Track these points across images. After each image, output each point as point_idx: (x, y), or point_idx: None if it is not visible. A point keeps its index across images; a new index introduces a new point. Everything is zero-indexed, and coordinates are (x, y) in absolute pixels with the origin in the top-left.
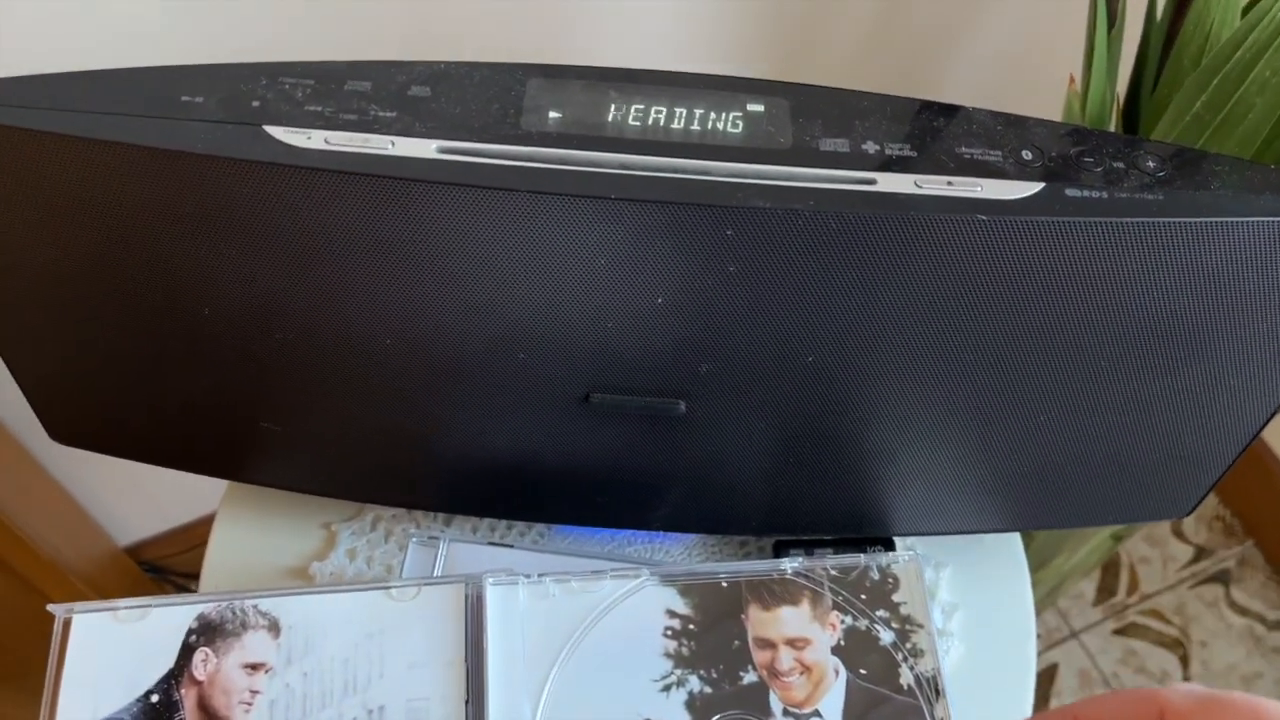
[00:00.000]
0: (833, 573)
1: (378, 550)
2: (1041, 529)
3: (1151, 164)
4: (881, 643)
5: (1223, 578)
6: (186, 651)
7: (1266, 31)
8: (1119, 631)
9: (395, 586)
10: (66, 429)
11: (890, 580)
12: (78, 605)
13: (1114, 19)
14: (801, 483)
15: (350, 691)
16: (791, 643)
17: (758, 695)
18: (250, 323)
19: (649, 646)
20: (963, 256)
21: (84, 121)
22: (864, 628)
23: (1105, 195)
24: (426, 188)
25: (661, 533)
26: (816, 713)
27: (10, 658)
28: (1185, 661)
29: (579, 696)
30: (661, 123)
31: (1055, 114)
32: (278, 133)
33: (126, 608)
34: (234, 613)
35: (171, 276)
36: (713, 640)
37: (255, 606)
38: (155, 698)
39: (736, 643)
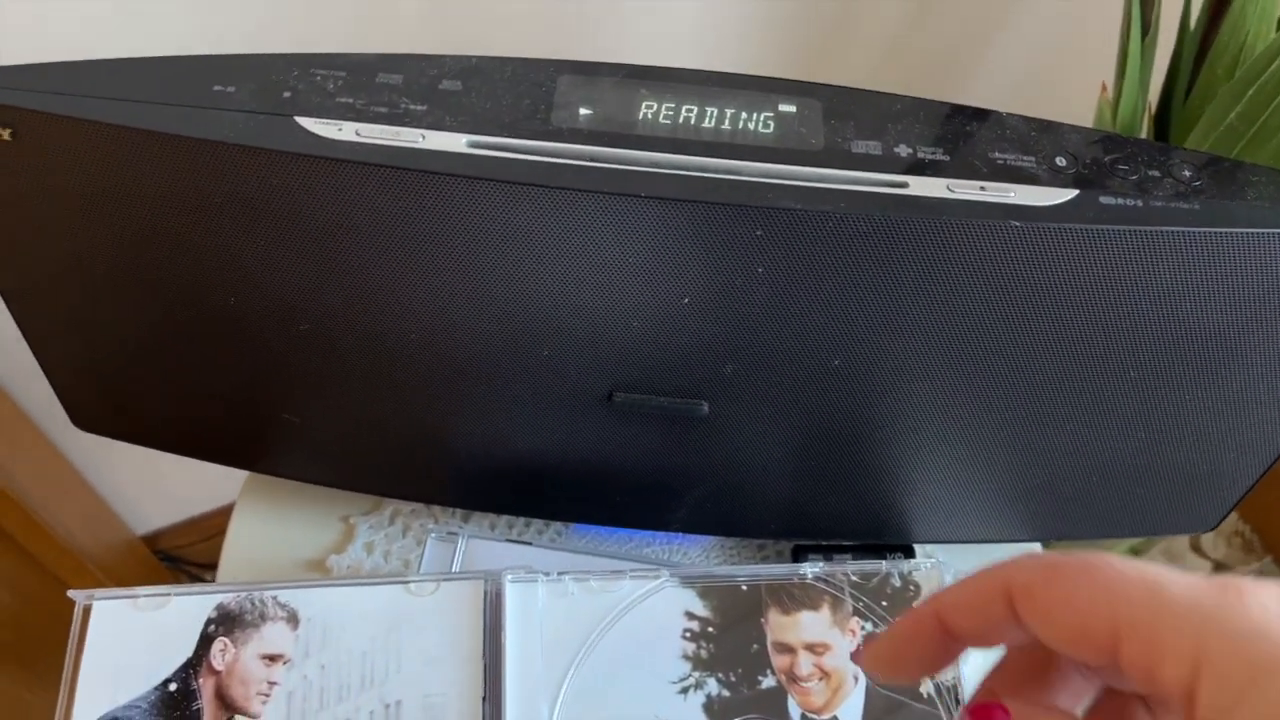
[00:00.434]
0: (853, 578)
1: (395, 544)
2: (1063, 540)
3: (1187, 173)
4: None
5: None
6: (205, 641)
7: None
8: None
9: (414, 581)
10: (90, 416)
11: (912, 587)
12: (98, 592)
13: (1148, 26)
14: (823, 487)
15: (367, 685)
16: (811, 648)
17: (776, 700)
18: (275, 313)
19: (668, 648)
20: (994, 263)
21: (116, 109)
22: None
23: (1140, 204)
24: (456, 182)
25: (679, 534)
26: (835, 719)
27: (28, 643)
28: None
29: (596, 696)
30: (692, 121)
31: (1084, 120)
32: (309, 124)
33: (146, 595)
34: (253, 603)
35: (199, 265)
36: (732, 643)
37: (274, 598)
38: (173, 686)
39: (755, 646)
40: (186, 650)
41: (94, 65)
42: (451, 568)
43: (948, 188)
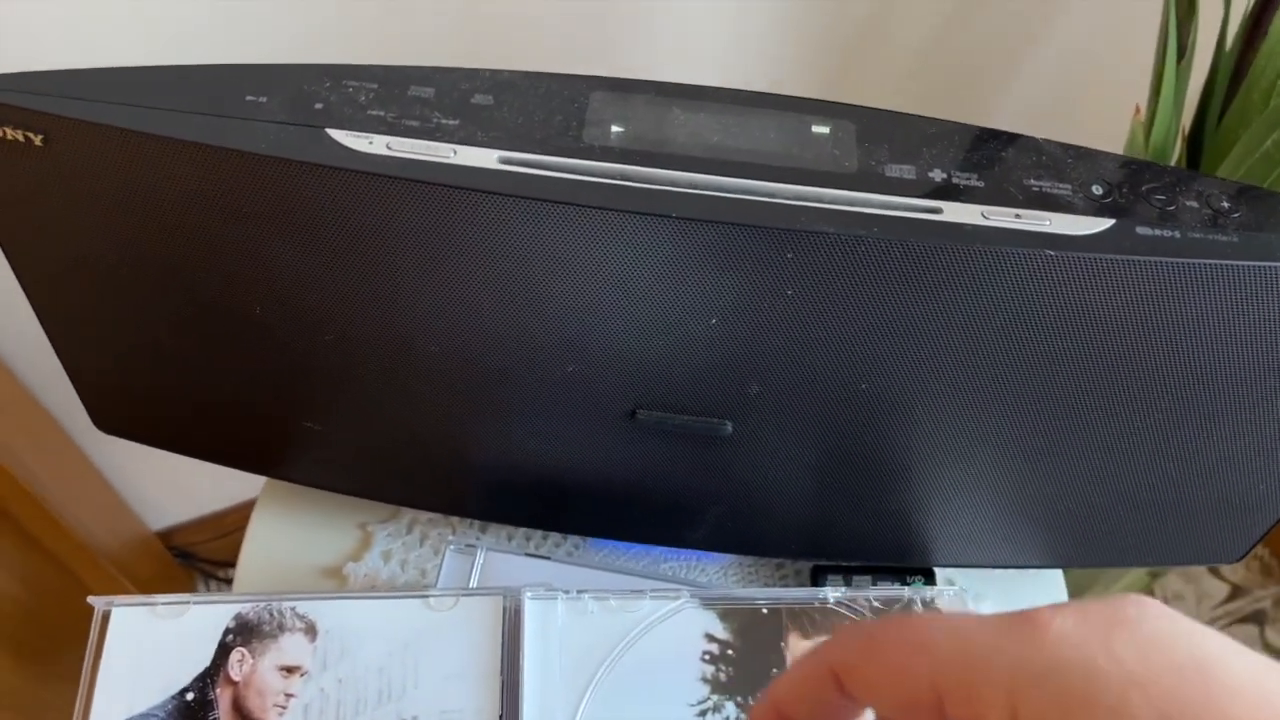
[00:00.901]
0: (875, 604)
1: (413, 554)
2: (1085, 567)
3: (1225, 204)
4: None
5: (1258, 618)
6: (223, 651)
7: None
8: None
9: (434, 596)
10: (112, 419)
11: None
12: (118, 599)
13: (1184, 49)
14: (845, 509)
15: (384, 700)
16: None
17: None
18: (301, 323)
19: (687, 670)
20: (1028, 292)
21: (148, 117)
22: None
23: (1178, 235)
24: (486, 199)
25: (697, 551)
26: None
27: (43, 639)
28: None
29: (614, 716)
30: (725, 141)
31: (1113, 141)
32: (340, 136)
33: (165, 603)
34: (271, 614)
35: (226, 274)
36: (751, 667)
37: (293, 609)
38: (190, 696)
39: (775, 671)
40: (204, 659)
41: (127, 72)
42: (469, 581)
43: (982, 214)
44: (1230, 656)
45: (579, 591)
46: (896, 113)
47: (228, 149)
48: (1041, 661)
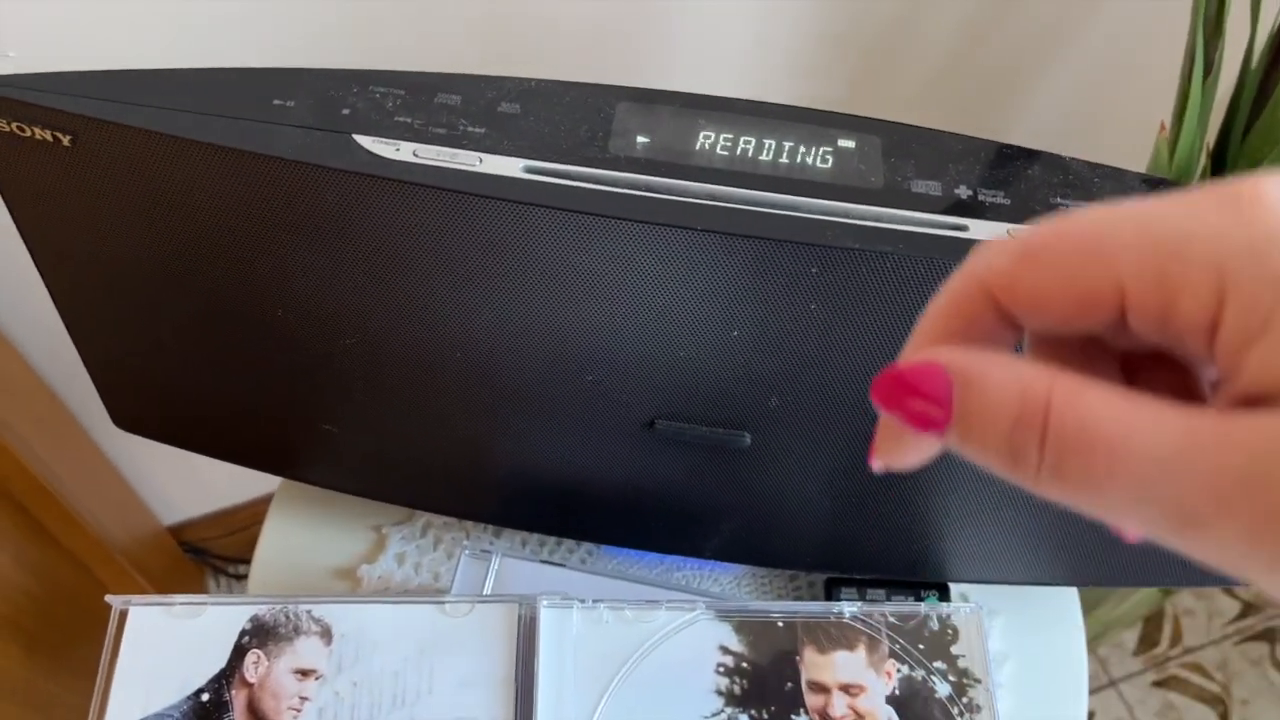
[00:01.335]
0: (891, 619)
1: (426, 557)
2: (1101, 586)
3: None
4: (937, 695)
5: (1269, 636)
6: (239, 652)
7: None
8: (1159, 683)
9: (449, 602)
10: (130, 417)
11: (950, 631)
12: (135, 598)
13: (1210, 67)
14: (861, 524)
15: (399, 705)
16: (846, 688)
17: None
18: (322, 327)
19: (701, 682)
20: None
21: (175, 119)
22: (920, 678)
23: None
24: (511, 207)
25: (711, 561)
26: None
27: (56, 634)
28: (1225, 719)
29: None
30: (750, 154)
31: (1135, 157)
32: (366, 142)
33: (182, 604)
34: (287, 616)
35: (249, 276)
36: (766, 680)
37: (309, 612)
38: (206, 696)
39: (789, 684)
40: (220, 660)
41: (155, 74)
42: (484, 586)
43: (1008, 232)
44: None
45: (594, 601)
46: (922, 128)
47: (253, 153)
48: (1256, 235)
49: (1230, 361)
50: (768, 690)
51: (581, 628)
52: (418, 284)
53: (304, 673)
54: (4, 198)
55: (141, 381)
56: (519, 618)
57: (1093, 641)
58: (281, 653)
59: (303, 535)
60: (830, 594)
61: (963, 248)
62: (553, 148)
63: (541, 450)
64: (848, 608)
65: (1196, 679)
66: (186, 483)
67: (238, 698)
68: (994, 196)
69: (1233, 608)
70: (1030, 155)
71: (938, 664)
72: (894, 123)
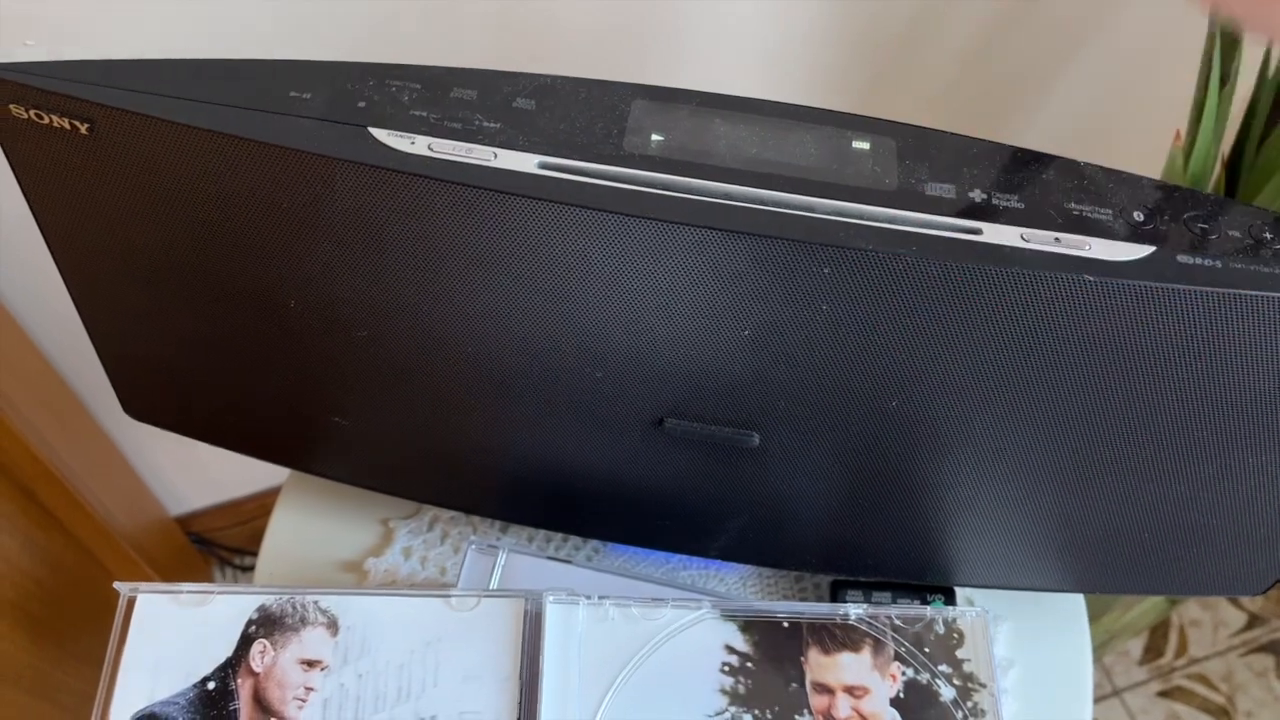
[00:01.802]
0: (897, 622)
1: (433, 551)
2: (1108, 593)
3: (1268, 234)
4: (942, 699)
5: (1274, 648)
6: (245, 642)
7: None
8: (1163, 694)
9: (456, 596)
10: (142, 406)
11: (955, 635)
12: (143, 585)
13: (1227, 77)
14: (868, 526)
15: (404, 698)
16: (850, 690)
17: None
18: (334, 319)
19: (705, 681)
20: (1065, 316)
21: (192, 110)
22: (925, 682)
23: (1219, 265)
24: (525, 203)
25: (716, 560)
26: None
27: (64, 621)
28: None
29: None
30: (764, 154)
31: (1148, 164)
32: (382, 135)
33: (190, 592)
34: (294, 607)
35: (262, 267)
36: (770, 680)
37: (316, 603)
38: (212, 685)
39: (794, 685)
40: (226, 649)
41: (172, 64)
42: (490, 581)
43: (1021, 237)
44: None
45: (600, 597)
46: (937, 130)
47: (269, 144)
48: None
49: None
50: (772, 690)
51: (587, 624)
52: (430, 278)
53: (310, 663)
54: (21, 184)
55: (153, 371)
56: (525, 613)
57: (1097, 650)
58: (288, 643)
59: (310, 527)
60: (836, 596)
61: (977, 251)
62: (567, 144)
63: (549, 447)
64: (853, 609)
65: (1201, 690)
66: (194, 473)
67: (244, 687)
68: (1008, 200)
69: (1239, 619)
70: (1045, 160)
71: (943, 667)
72: (909, 125)
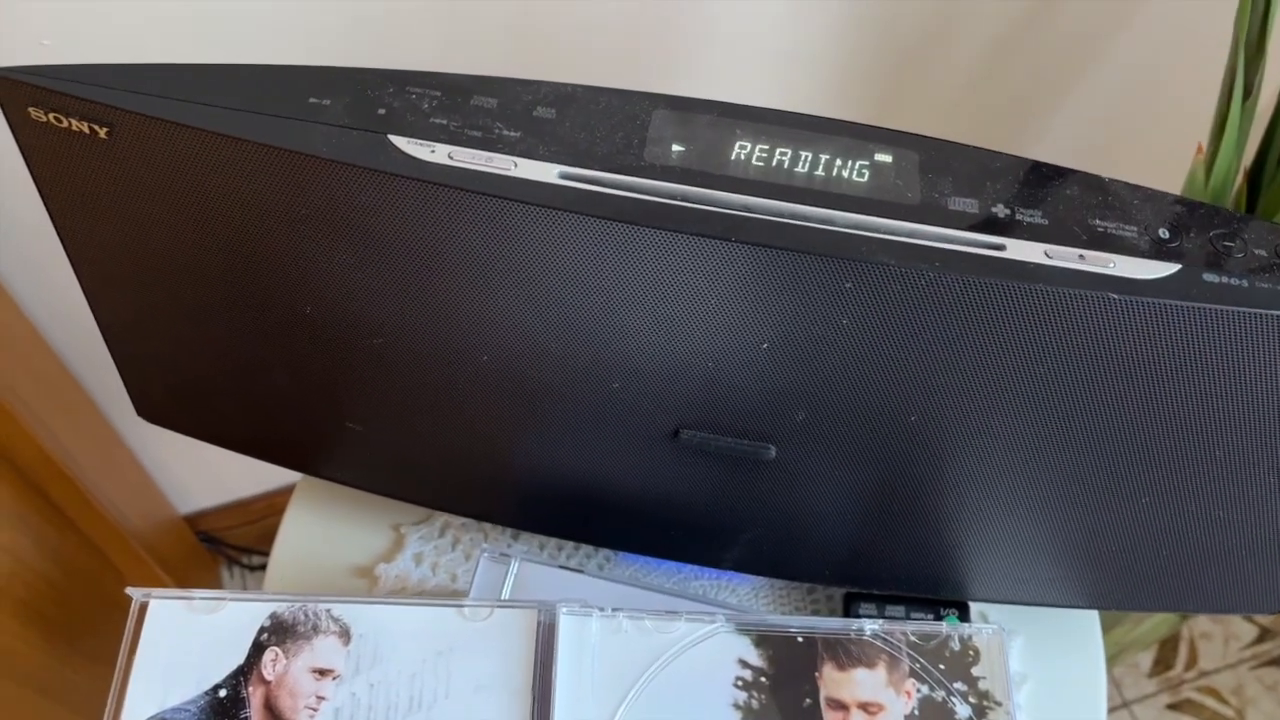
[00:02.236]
0: (912, 638)
1: (444, 557)
2: (1123, 610)
3: None
4: (957, 716)
5: None
6: (257, 649)
7: None
8: (1173, 706)
9: (469, 606)
10: (154, 408)
11: (971, 652)
12: (155, 591)
13: (1250, 89)
14: (883, 539)
15: (415, 708)
16: (865, 706)
17: None
18: (350, 326)
19: (719, 695)
20: (1088, 334)
21: (211, 115)
22: (940, 699)
23: (1245, 284)
24: (546, 213)
25: (729, 572)
26: None
27: (74, 620)
28: None
29: None
30: (786, 165)
31: (1164, 178)
32: (402, 143)
33: (203, 598)
34: (306, 615)
35: (280, 273)
36: (784, 695)
37: (328, 611)
38: (223, 692)
39: (808, 701)
40: (238, 657)
41: (192, 69)
42: (502, 590)
43: (1045, 253)
44: None
45: (614, 609)
46: (960, 144)
47: (289, 150)
48: None
49: None
50: (786, 706)
51: (600, 636)
52: (448, 286)
53: (321, 672)
54: (39, 187)
55: (167, 374)
56: (538, 624)
57: (1108, 662)
58: (300, 651)
59: (322, 531)
60: (849, 609)
61: (1000, 268)
62: (588, 154)
63: (564, 456)
64: (869, 625)
65: (1211, 703)
66: (204, 473)
67: (255, 695)
68: (1032, 216)
69: (1250, 632)
70: (1069, 175)
71: (958, 685)
72: (931, 138)
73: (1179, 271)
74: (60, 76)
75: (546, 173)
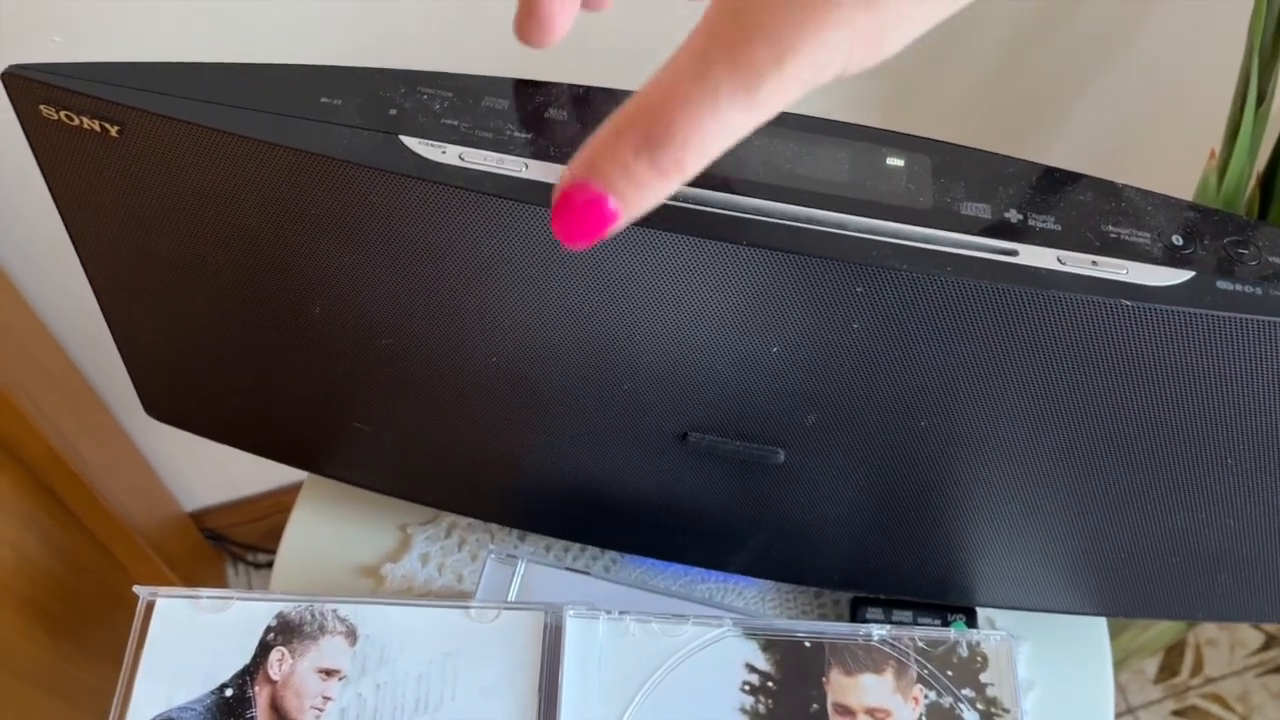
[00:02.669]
0: (920, 644)
1: (450, 558)
2: (1133, 617)
3: None
4: None
5: None
6: (264, 649)
7: None
8: (1178, 713)
9: (475, 607)
10: (162, 406)
11: (979, 659)
12: (162, 590)
13: (1263, 95)
14: (892, 545)
15: (421, 710)
16: (872, 712)
17: None
18: (359, 326)
19: (725, 700)
20: (1100, 341)
21: (222, 114)
22: (948, 705)
23: (1260, 291)
24: None
25: (736, 575)
26: None
27: (75, 613)
28: None
29: None
30: (798, 169)
31: (1174, 184)
32: (413, 144)
33: (209, 597)
34: (313, 615)
35: (289, 273)
36: (791, 701)
37: (335, 611)
38: (229, 692)
39: (815, 706)
40: (245, 656)
41: (203, 68)
42: (509, 591)
43: (1058, 259)
44: None
45: (621, 612)
46: (972, 149)
47: (300, 150)
48: None
49: None
50: (793, 711)
51: (607, 639)
52: (458, 287)
53: (328, 672)
54: (49, 184)
55: (176, 373)
56: (545, 626)
57: (1114, 668)
58: (306, 651)
59: (328, 531)
60: (856, 613)
61: (1012, 273)
62: None
63: (572, 457)
64: (876, 630)
65: (1217, 709)
66: (210, 470)
67: (261, 695)
68: (1044, 221)
69: (1256, 639)
70: (1082, 180)
71: (966, 691)
72: (944, 142)
73: (1192, 279)
74: (72, 74)
75: (558, 175)
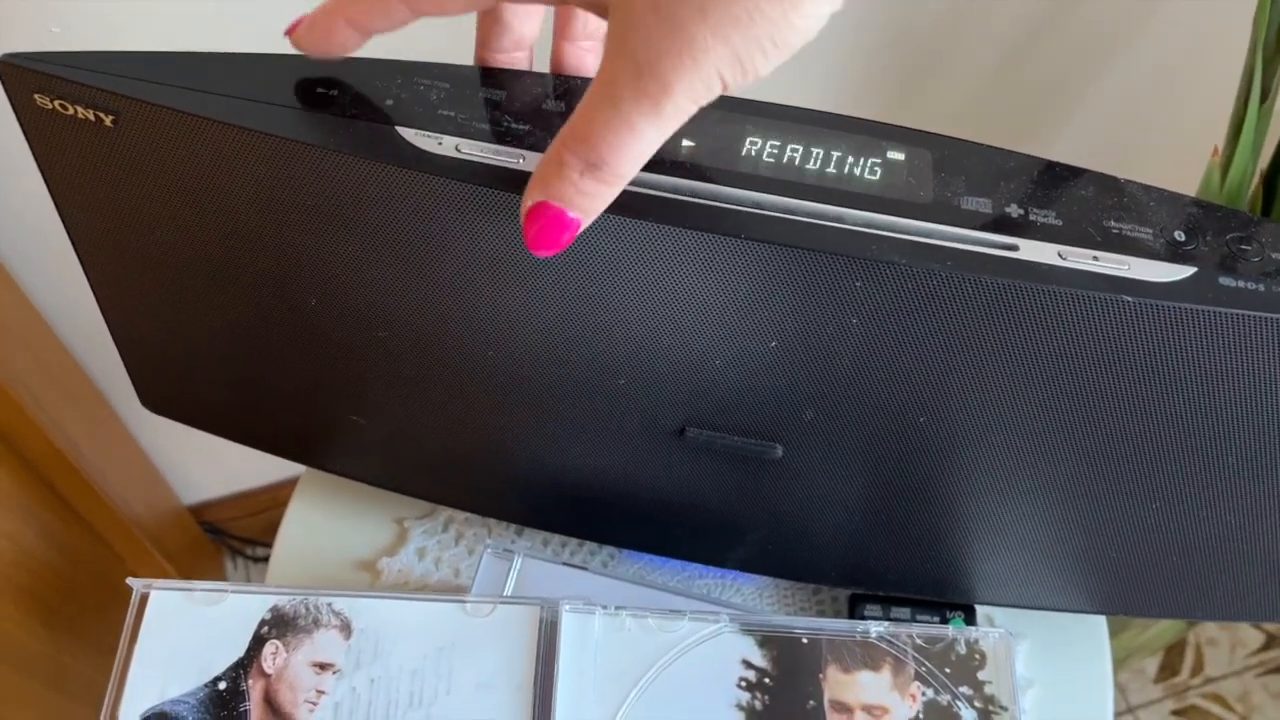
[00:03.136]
0: (918, 641)
1: (447, 552)
2: (1133, 615)
3: None
4: None
5: None
6: (258, 642)
7: None
8: (1178, 713)
9: (471, 602)
10: (158, 399)
11: (977, 656)
12: (156, 582)
13: (1267, 92)
14: (890, 541)
15: (416, 704)
16: (869, 709)
17: None
18: (355, 318)
19: (721, 696)
20: (1101, 337)
21: (218, 104)
22: (945, 703)
23: (1262, 288)
24: None
25: (733, 571)
26: None
27: (72, 605)
28: None
29: None
30: (797, 162)
31: (1178, 180)
32: (409, 135)
33: (204, 590)
34: (307, 608)
35: (284, 264)
36: (788, 697)
37: (329, 605)
38: (223, 685)
39: (812, 703)
40: (238, 649)
41: (198, 58)
42: (505, 586)
43: (1059, 254)
44: None
45: (617, 608)
46: (973, 143)
47: (295, 141)
48: None
49: None
50: (789, 707)
51: (603, 634)
52: (454, 279)
53: (322, 666)
54: (44, 174)
55: (172, 365)
56: (540, 621)
57: (1114, 667)
58: (300, 645)
59: (324, 524)
60: (854, 610)
61: (1013, 268)
62: None
63: (569, 452)
64: (874, 627)
65: (1217, 709)
66: (208, 463)
67: (255, 688)
68: (1046, 216)
69: (1256, 639)
70: (1084, 175)
71: (964, 689)
72: (944, 136)
73: (1194, 275)
74: (67, 63)
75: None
